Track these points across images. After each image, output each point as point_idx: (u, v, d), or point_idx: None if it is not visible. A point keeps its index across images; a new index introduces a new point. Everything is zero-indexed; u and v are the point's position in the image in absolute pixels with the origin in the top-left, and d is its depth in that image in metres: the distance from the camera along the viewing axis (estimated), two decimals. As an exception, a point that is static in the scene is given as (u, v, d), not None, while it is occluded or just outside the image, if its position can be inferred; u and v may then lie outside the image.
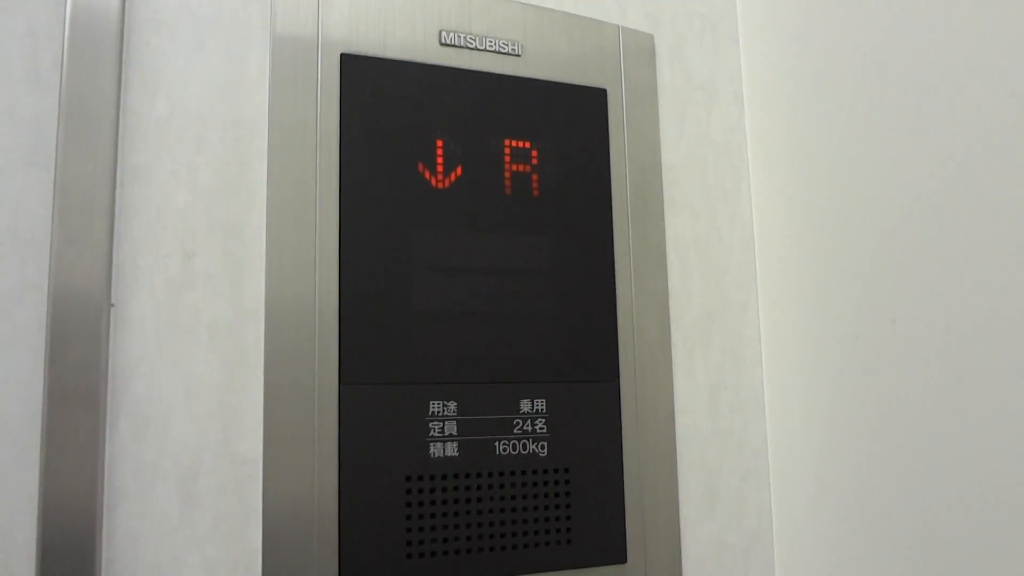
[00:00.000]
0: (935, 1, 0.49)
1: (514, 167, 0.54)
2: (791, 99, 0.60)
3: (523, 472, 0.52)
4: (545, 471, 0.52)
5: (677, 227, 0.60)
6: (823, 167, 0.57)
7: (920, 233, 0.50)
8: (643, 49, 0.60)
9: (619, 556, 0.53)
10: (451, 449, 0.50)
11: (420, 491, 0.49)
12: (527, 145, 0.55)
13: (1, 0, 0.47)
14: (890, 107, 0.52)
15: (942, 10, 0.49)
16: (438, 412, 0.50)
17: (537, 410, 0.53)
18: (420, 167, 0.52)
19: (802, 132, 0.59)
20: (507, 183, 0.54)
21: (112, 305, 0.46)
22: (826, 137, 0.57)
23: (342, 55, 0.51)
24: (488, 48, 0.55)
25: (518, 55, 0.56)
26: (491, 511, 0.50)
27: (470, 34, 0.55)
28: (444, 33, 0.54)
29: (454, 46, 0.54)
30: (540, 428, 0.52)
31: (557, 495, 0.52)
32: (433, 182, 0.52)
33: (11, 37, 0.47)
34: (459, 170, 0.53)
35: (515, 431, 0.52)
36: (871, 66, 0.53)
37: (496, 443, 0.51)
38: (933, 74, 0.49)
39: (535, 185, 0.55)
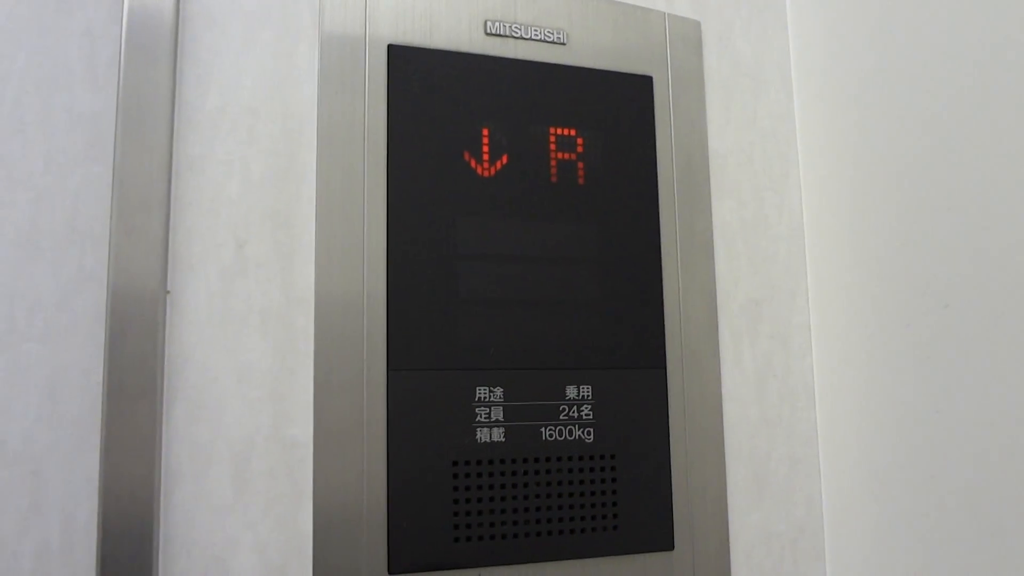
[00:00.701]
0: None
1: (560, 155, 0.55)
2: (841, 84, 0.59)
3: (569, 458, 0.52)
4: (591, 457, 0.52)
5: (724, 214, 0.60)
6: (873, 152, 0.56)
7: (973, 218, 0.49)
8: (690, 36, 0.60)
9: (666, 543, 0.53)
10: (497, 434, 0.51)
11: (467, 475, 0.50)
12: (572, 133, 0.55)
13: (58, 1, 0.49)
14: (943, 92, 0.51)
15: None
16: (485, 398, 0.51)
17: (583, 396, 0.53)
18: (466, 156, 0.53)
19: (852, 118, 0.58)
20: (553, 171, 0.54)
21: (168, 292, 0.47)
22: (876, 122, 0.56)
23: (389, 46, 0.52)
24: (533, 37, 0.56)
25: (563, 43, 0.56)
26: (537, 496, 0.51)
27: (516, 23, 0.55)
28: (490, 23, 0.55)
29: (499, 35, 0.55)
30: (586, 414, 0.53)
31: (603, 481, 0.52)
32: (479, 171, 0.53)
33: (69, 37, 0.49)
34: (504, 159, 0.53)
35: (561, 417, 0.52)
36: (922, 49, 0.52)
37: (542, 429, 0.52)
38: (988, 59, 0.48)
39: (581, 173, 0.55)
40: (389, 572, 0.48)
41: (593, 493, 0.52)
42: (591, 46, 0.57)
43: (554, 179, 0.54)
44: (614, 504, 0.52)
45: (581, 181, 0.55)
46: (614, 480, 0.53)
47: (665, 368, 0.55)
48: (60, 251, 0.47)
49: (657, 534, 0.53)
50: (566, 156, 0.55)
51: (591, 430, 0.53)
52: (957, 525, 0.49)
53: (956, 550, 0.49)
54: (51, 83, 0.48)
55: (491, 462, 0.50)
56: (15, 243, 0.47)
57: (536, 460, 0.51)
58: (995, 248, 0.47)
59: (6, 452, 0.45)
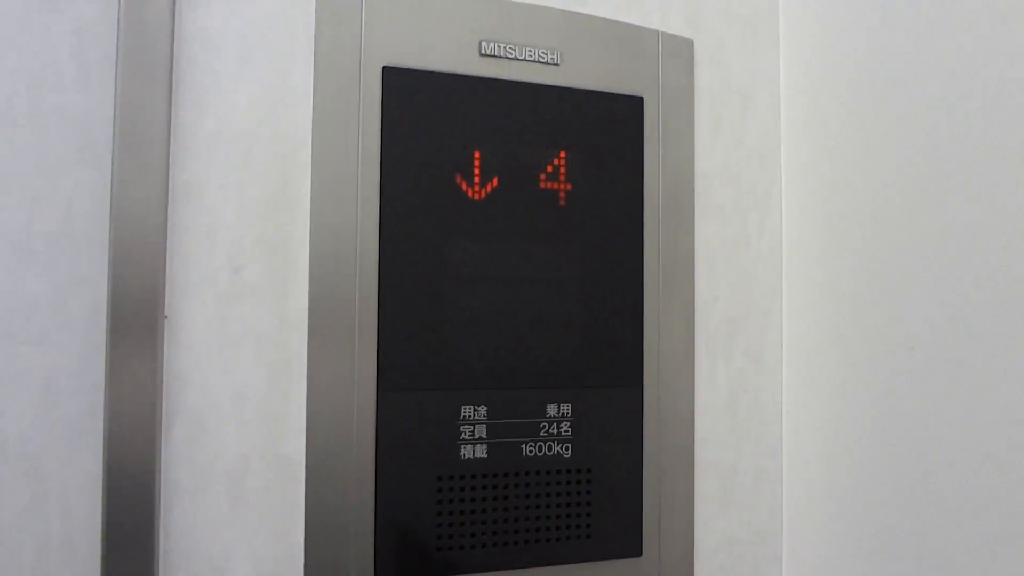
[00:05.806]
0: (982, 9, 0.49)
1: (549, 178, 0.56)
2: (828, 104, 0.60)
3: (547, 472, 0.55)
4: (568, 471, 0.55)
5: (707, 234, 0.61)
6: (853, 179, 0.57)
7: (945, 261, 0.51)
8: (682, 54, 0.60)
9: (635, 550, 0.57)
10: (480, 451, 0.53)
11: (451, 490, 0.53)
12: (562, 155, 0.56)
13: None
14: (929, 125, 0.52)
15: (988, 17, 0.49)
16: (469, 416, 0.53)
17: (563, 414, 0.55)
18: (458, 179, 0.54)
19: (836, 139, 0.59)
20: (542, 194, 0.55)
21: (166, 317, 0.48)
22: (859, 146, 0.57)
23: (384, 68, 0.53)
24: (527, 58, 0.56)
25: (557, 64, 0.57)
26: (516, 508, 0.54)
27: (510, 44, 0.55)
28: (484, 43, 0.55)
29: (493, 56, 0.55)
30: (565, 431, 0.55)
31: (579, 493, 0.56)
32: (470, 193, 0.54)
33: (59, 35, 0.48)
34: (495, 181, 0.55)
35: (541, 434, 0.55)
36: (911, 78, 0.53)
37: (523, 445, 0.54)
38: (978, 92, 0.49)
39: (569, 196, 0.56)
40: (375, 580, 0.51)
41: (569, 504, 0.55)
42: (584, 66, 0.57)
43: (543, 202, 0.55)
44: (588, 515, 0.56)
45: (569, 203, 0.56)
46: (589, 492, 0.56)
47: (642, 386, 0.57)
48: (54, 254, 0.48)
49: (626, 541, 0.57)
50: (555, 178, 0.56)
51: (569, 446, 0.55)
52: (905, 538, 0.53)
53: (904, 559, 0.53)
54: (42, 83, 0.48)
55: (474, 476, 0.53)
56: (9, 245, 0.47)
57: (516, 475, 0.54)
58: (962, 293, 0.50)
59: (5, 452, 0.46)
